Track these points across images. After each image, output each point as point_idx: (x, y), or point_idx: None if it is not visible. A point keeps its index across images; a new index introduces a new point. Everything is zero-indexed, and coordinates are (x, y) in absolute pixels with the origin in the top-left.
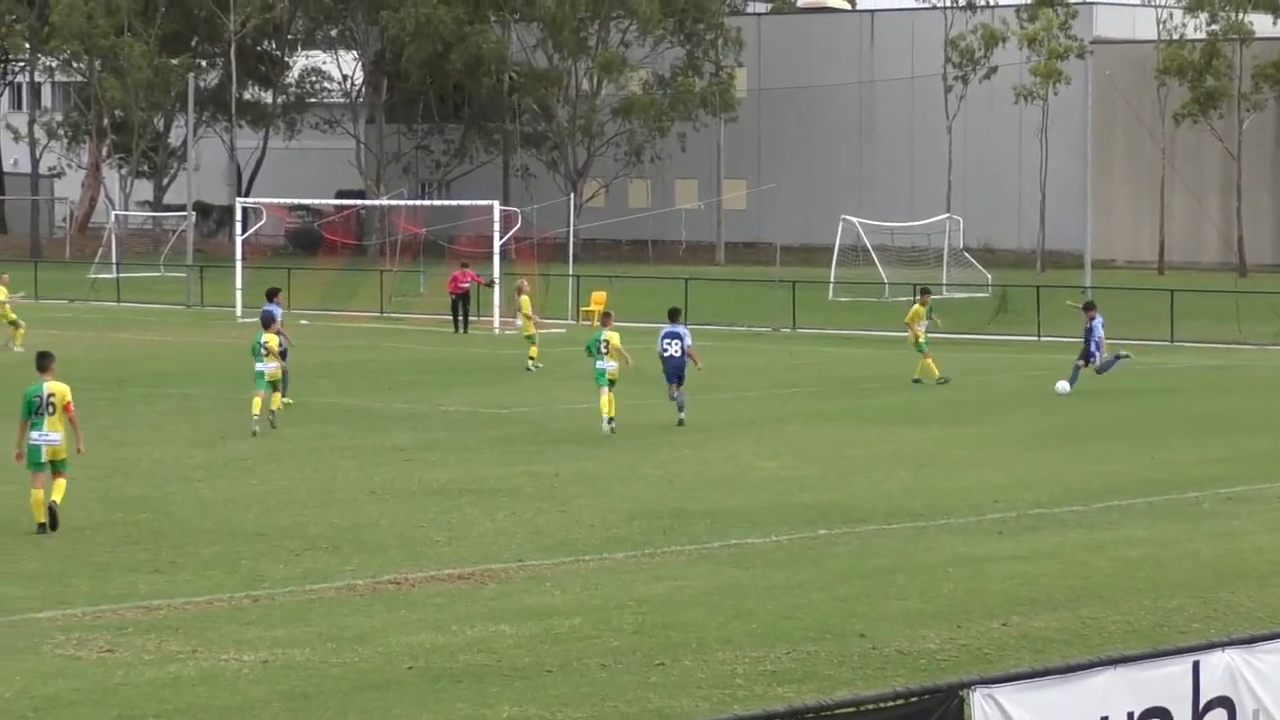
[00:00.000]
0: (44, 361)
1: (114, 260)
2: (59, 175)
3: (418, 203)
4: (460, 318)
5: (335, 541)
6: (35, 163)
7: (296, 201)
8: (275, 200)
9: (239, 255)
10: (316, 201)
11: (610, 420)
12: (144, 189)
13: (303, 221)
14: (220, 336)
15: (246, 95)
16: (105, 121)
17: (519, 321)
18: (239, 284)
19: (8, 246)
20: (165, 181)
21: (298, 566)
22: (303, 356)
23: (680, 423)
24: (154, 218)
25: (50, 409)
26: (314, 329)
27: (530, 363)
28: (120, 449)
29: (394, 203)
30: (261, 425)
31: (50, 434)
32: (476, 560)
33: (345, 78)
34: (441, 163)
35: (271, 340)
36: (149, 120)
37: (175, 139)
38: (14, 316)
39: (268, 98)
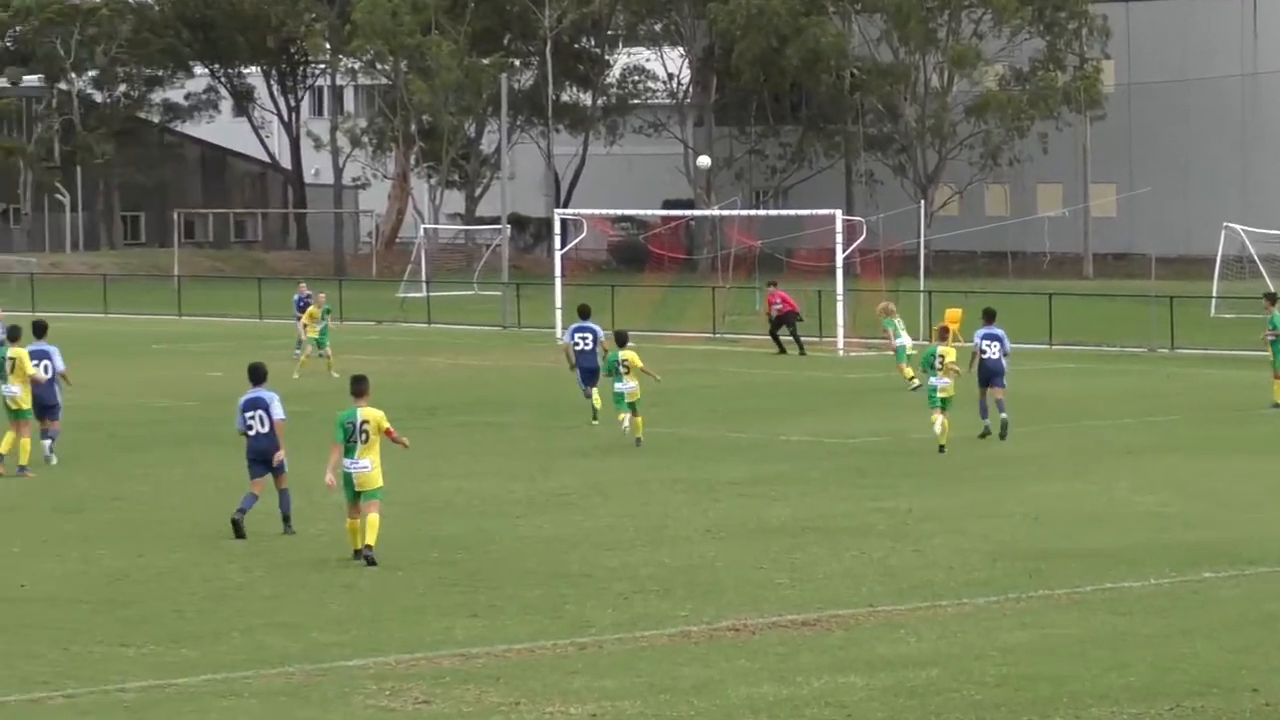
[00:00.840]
0: (359, 386)
1: (423, 278)
2: (363, 186)
3: (752, 212)
4: (791, 338)
5: (667, 584)
6: (338, 173)
7: (619, 212)
8: (596, 211)
9: (558, 271)
10: (641, 212)
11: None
12: (455, 200)
13: (626, 234)
14: (538, 360)
15: (564, 97)
16: (412, 127)
17: (901, 340)
18: (558, 303)
19: (310, 263)
20: (477, 192)
21: (627, 611)
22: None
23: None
24: (466, 231)
25: (364, 436)
26: (641, 352)
27: (910, 384)
28: (433, 482)
29: (726, 213)
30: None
31: (361, 461)
32: (822, 605)
33: (671, 76)
34: (777, 168)
35: (632, 358)
36: (459, 125)
37: (488, 145)
38: (316, 335)
39: (587, 99)
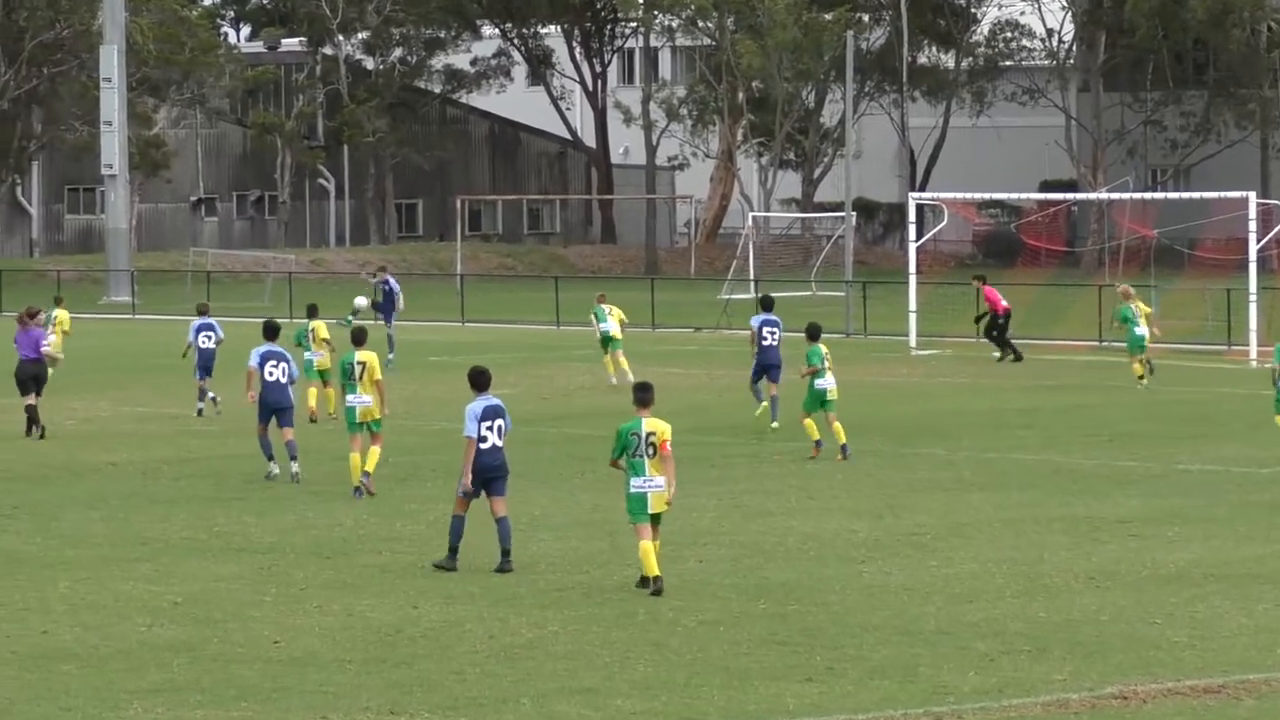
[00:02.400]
0: (643, 395)
1: (751, 276)
2: (681, 167)
3: (1147, 195)
4: (990, 339)
5: (1041, 642)
6: (651, 152)
7: (987, 196)
8: (959, 195)
9: (912, 267)
10: (1013, 196)
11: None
12: (790, 183)
13: (996, 222)
14: (889, 374)
15: (921, 58)
16: (740, 96)
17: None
18: (912, 304)
19: (616, 260)
20: (817, 173)
21: (992, 675)
22: (1004, 400)
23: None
24: (803, 220)
25: (650, 450)
26: (1010, 363)
27: None
28: (761, 520)
29: (1116, 196)
30: None
31: (653, 479)
32: (1228, 668)
33: (1050, 33)
34: (1179, 143)
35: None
36: (795, 94)
37: (830, 117)
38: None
39: (949, 61)
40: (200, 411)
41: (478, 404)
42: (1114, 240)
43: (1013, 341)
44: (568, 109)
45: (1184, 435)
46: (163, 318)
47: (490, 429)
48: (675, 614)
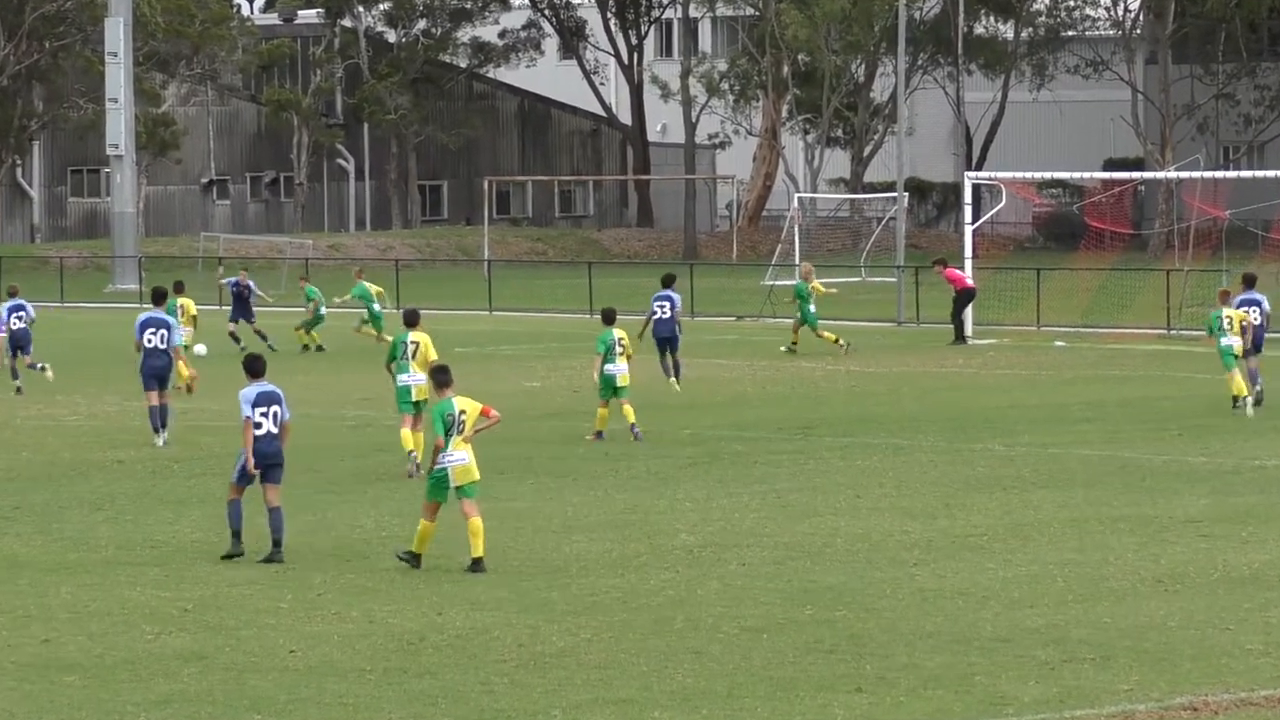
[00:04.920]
0: (444, 376)
1: (797, 261)
2: (722, 146)
3: (1219, 174)
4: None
5: (1106, 649)
6: (691, 129)
7: (1048, 175)
8: (1018, 175)
9: (968, 251)
10: (1076, 175)
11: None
12: (838, 163)
13: (1057, 203)
14: (943, 364)
15: (978, 29)
16: (785, 70)
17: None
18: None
19: (653, 244)
20: (867, 151)
21: (1053, 684)
22: (1058, 393)
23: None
24: (852, 201)
25: (460, 428)
26: (1072, 352)
27: None
28: (807, 520)
29: (1185, 174)
30: None
31: (455, 453)
32: None
33: (1116, 1)
34: (1252, 118)
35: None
36: (844, 67)
37: (880, 92)
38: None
39: (1007, 32)
40: (20, 390)
41: (251, 389)
42: (1183, 222)
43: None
44: (602, 84)
45: (1258, 429)
46: (209, 307)
47: (265, 415)
48: (716, 620)
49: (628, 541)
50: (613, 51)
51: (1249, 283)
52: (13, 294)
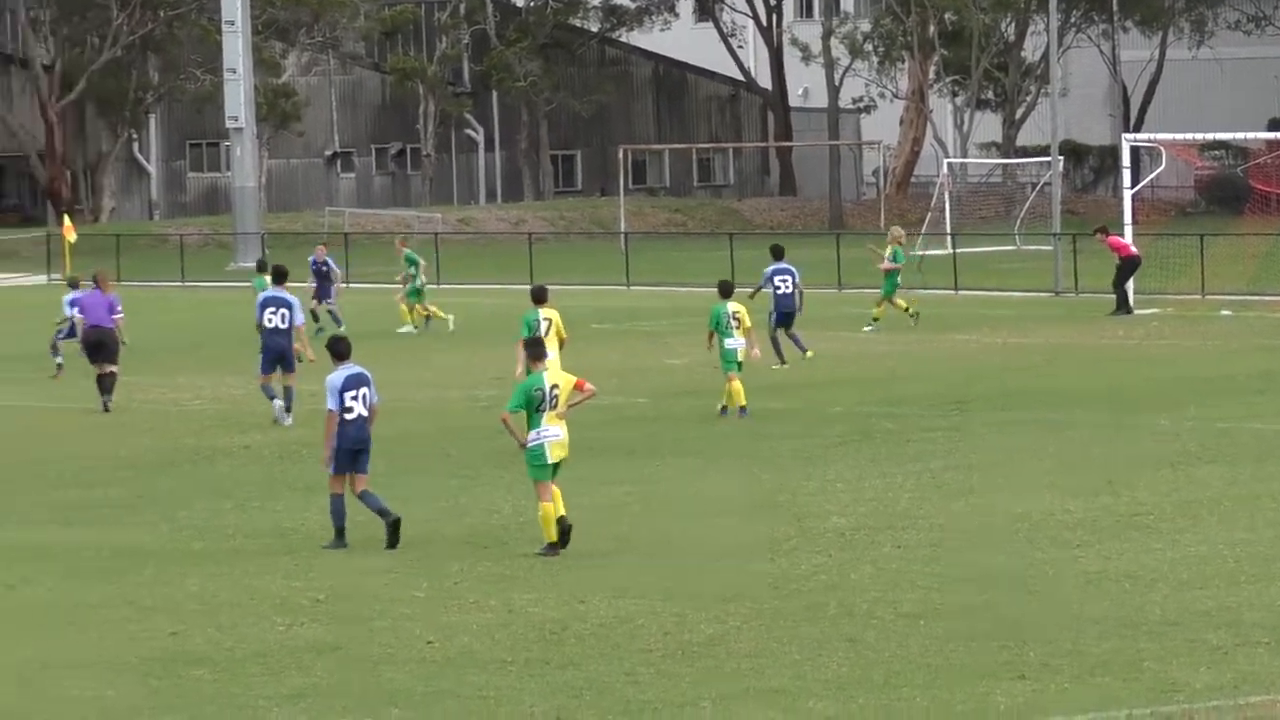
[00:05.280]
0: (538, 349)
1: (947, 230)
2: (867, 110)
3: None
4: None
5: None
6: (834, 93)
7: (1209, 137)
8: (1178, 136)
9: (1127, 217)
10: (1239, 136)
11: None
12: (989, 126)
13: (1220, 165)
14: (1103, 336)
15: None
16: (931, 30)
17: None
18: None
19: (796, 214)
20: (1019, 114)
21: (1226, 669)
22: (1226, 364)
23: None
24: (1004, 166)
25: (553, 402)
26: (1239, 321)
27: None
28: (964, 500)
29: None
30: None
31: (549, 429)
32: None
33: None
34: None
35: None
36: (994, 25)
37: (1032, 51)
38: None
39: None
40: (60, 367)
41: (339, 374)
42: None
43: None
44: (740, 47)
45: None
46: (297, 285)
47: (355, 399)
48: (871, 606)
49: (777, 524)
50: (751, 13)
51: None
52: (73, 286)
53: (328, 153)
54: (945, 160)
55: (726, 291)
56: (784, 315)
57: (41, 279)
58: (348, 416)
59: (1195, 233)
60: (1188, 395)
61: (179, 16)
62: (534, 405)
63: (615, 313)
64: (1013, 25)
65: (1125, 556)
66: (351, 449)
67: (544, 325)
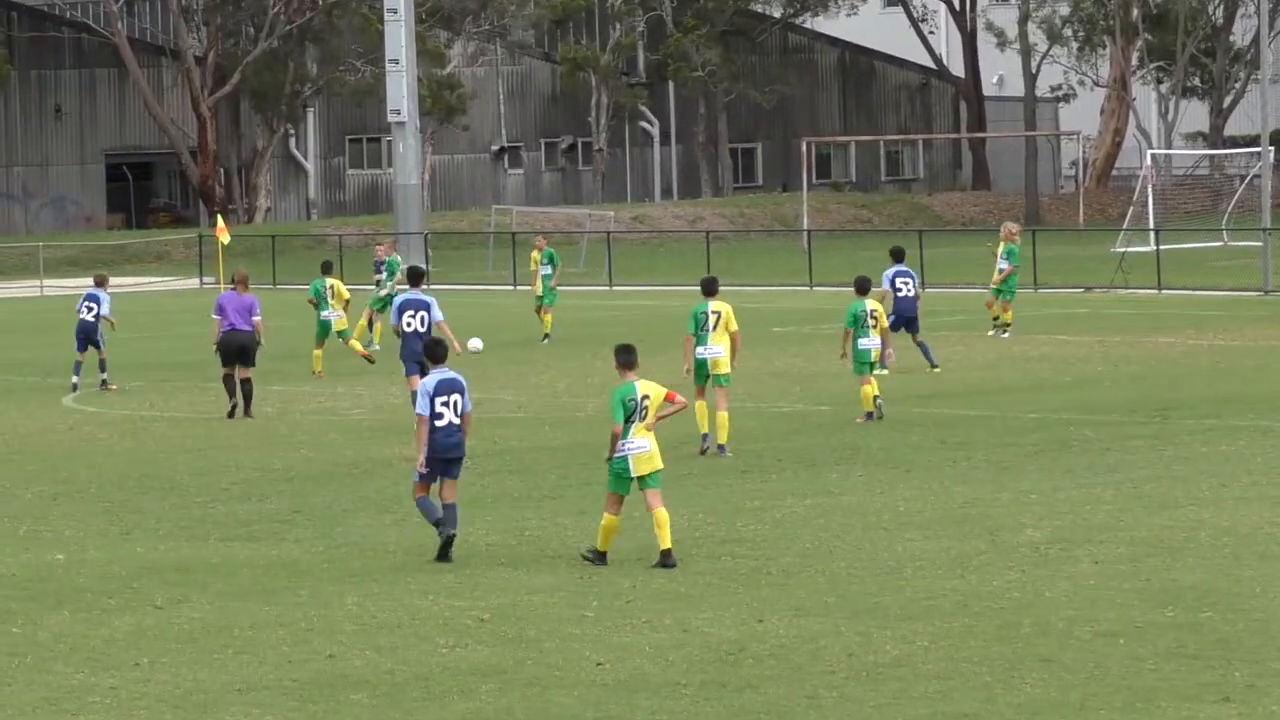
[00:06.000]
0: (628, 358)
1: (1151, 225)
2: (1066, 98)
3: None
4: None
5: None
6: (1030, 81)
7: None
8: None
9: None
10: None
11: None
12: (1195, 115)
13: None
14: None
15: None
16: (1134, 13)
17: None
18: None
19: (991, 208)
20: (1227, 102)
21: None
22: None
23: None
24: (1211, 158)
25: (643, 413)
26: None
27: None
28: (1166, 512)
29: None
30: None
31: (635, 440)
32: None
33: None
34: None
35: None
36: (1200, 8)
37: (1242, 35)
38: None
39: None
40: (75, 387)
41: (431, 378)
42: None
43: None
44: (931, 32)
45: None
46: (461, 287)
47: (446, 405)
48: (1067, 624)
49: (967, 539)
50: None
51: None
52: (99, 284)
53: (494, 147)
54: (1149, 152)
55: (864, 289)
56: (905, 319)
57: (194, 283)
58: (438, 423)
59: None
60: None
61: (339, 5)
62: (626, 415)
63: (797, 315)
64: (1221, 7)
65: None
66: (443, 457)
67: (712, 319)
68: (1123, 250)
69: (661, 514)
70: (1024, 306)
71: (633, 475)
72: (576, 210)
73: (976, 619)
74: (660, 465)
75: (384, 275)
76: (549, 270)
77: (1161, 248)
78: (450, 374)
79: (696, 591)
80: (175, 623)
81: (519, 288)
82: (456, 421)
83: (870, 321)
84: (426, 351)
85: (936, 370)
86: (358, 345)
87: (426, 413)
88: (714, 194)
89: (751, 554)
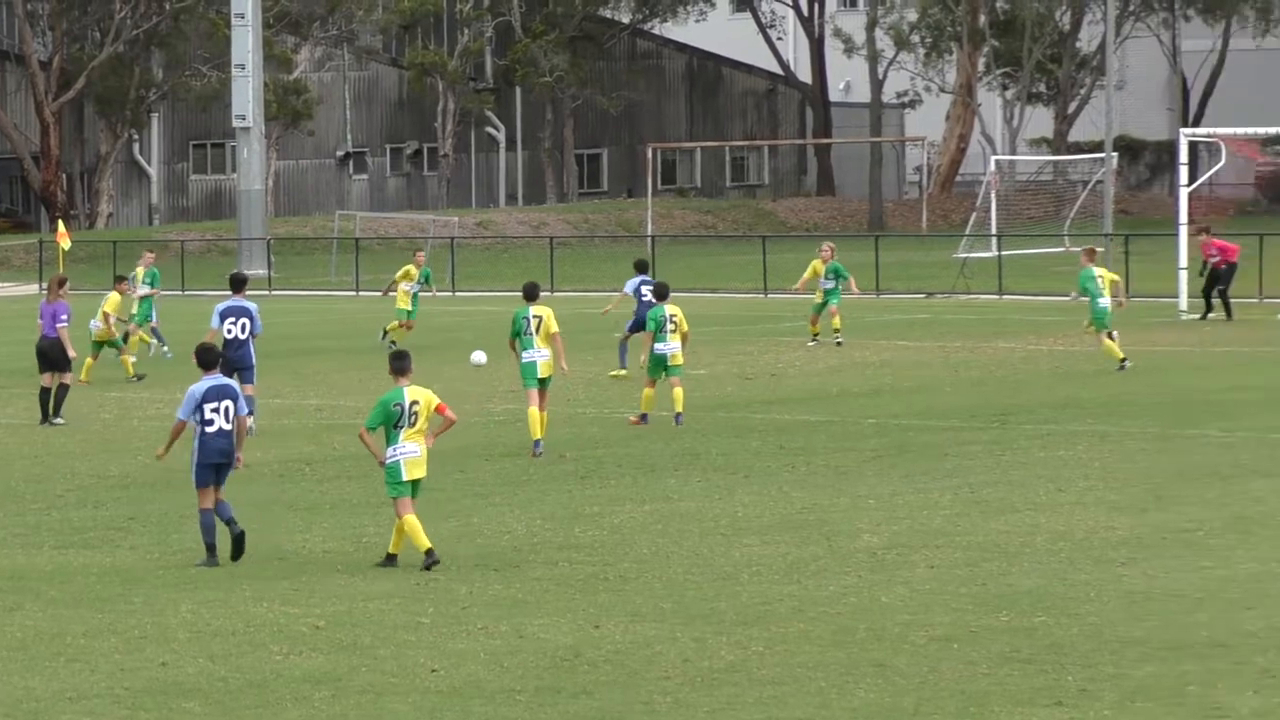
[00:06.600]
0: (401, 364)
1: (993, 231)
2: (912, 104)
3: None
4: (1219, 298)
5: None
6: (877, 87)
7: (1273, 131)
8: (1240, 130)
9: (1183, 216)
10: None
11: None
12: (1040, 121)
13: None
14: (1155, 341)
15: None
16: (981, 19)
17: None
18: (1183, 260)
19: (835, 214)
20: (1072, 108)
21: (1275, 694)
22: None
23: None
24: (1055, 163)
25: (413, 419)
26: None
27: None
28: (1003, 517)
29: None
30: None
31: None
32: None
33: None
34: None
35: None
36: (1047, 15)
37: (1088, 42)
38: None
39: None
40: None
41: (202, 385)
42: None
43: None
44: (779, 39)
45: None
46: (305, 293)
47: (217, 411)
48: (902, 629)
49: (804, 544)
50: (791, 2)
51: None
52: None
53: (340, 153)
54: (993, 157)
55: (662, 294)
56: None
57: (34, 288)
58: (208, 429)
59: (1255, 232)
60: (1242, 404)
61: (185, 10)
62: (393, 421)
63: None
64: (1067, 14)
65: (1171, 575)
66: (213, 463)
67: (534, 323)
68: (965, 256)
69: (411, 520)
70: (866, 312)
71: (404, 479)
72: (421, 216)
73: (812, 624)
74: (425, 474)
75: (143, 284)
76: (420, 287)
77: (1003, 253)
78: (222, 380)
79: (533, 597)
80: (7, 630)
81: (361, 293)
82: (227, 427)
83: (670, 326)
84: (197, 358)
85: (622, 373)
86: (128, 361)
87: (184, 417)
88: (559, 200)
89: (589, 560)
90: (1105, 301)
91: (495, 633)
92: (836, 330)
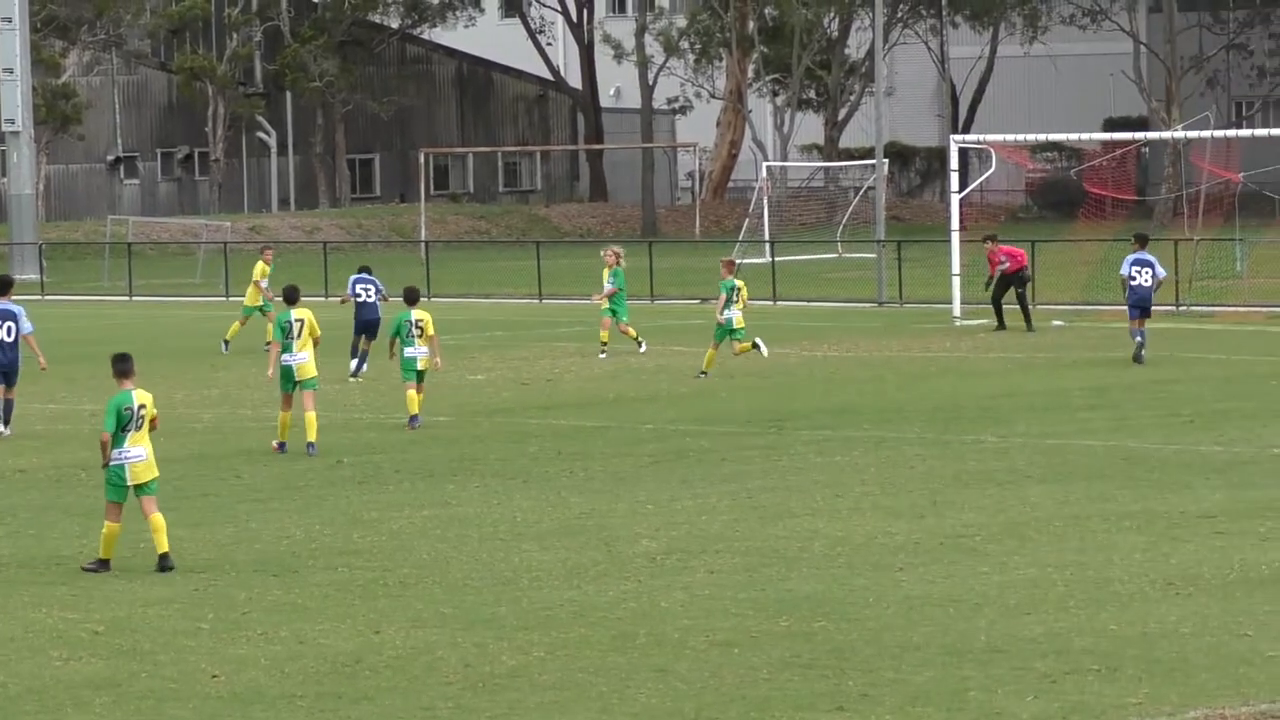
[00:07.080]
0: (124, 366)
1: (766, 237)
2: (683, 110)
3: (1230, 133)
4: (1018, 305)
5: (1112, 660)
6: (648, 93)
7: (1042, 138)
8: (1009, 137)
9: (955, 223)
10: (1073, 137)
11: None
12: (810, 127)
13: (1053, 168)
14: (929, 348)
15: None
16: (751, 26)
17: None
18: (956, 266)
19: (608, 220)
20: (842, 115)
21: (1055, 699)
22: (1057, 377)
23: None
24: (826, 170)
25: (139, 423)
26: (1072, 332)
27: None
28: (781, 523)
29: (1193, 134)
30: None
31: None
32: None
33: None
34: (1267, 70)
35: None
36: (816, 21)
37: (857, 49)
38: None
39: None
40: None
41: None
42: (1192, 186)
43: (1010, 306)
44: (549, 44)
45: (1278, 414)
46: (77, 298)
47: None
48: (683, 634)
49: (584, 549)
50: (560, 8)
51: (1141, 243)
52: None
53: (110, 157)
54: (764, 164)
55: (412, 299)
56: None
57: None
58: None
59: (1026, 239)
60: (1016, 410)
61: None
62: (121, 424)
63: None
64: (836, 21)
65: (950, 580)
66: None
67: (296, 326)
68: (739, 262)
69: (157, 519)
70: (640, 318)
71: (129, 483)
72: (193, 221)
73: (593, 629)
74: (156, 474)
75: None
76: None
77: (777, 259)
78: (6, 304)
79: (313, 603)
80: None
81: (134, 299)
82: (8, 340)
83: (415, 331)
84: None
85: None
86: None
87: None
88: (331, 205)
89: (368, 565)
90: (733, 314)
91: (275, 638)
92: (604, 343)
